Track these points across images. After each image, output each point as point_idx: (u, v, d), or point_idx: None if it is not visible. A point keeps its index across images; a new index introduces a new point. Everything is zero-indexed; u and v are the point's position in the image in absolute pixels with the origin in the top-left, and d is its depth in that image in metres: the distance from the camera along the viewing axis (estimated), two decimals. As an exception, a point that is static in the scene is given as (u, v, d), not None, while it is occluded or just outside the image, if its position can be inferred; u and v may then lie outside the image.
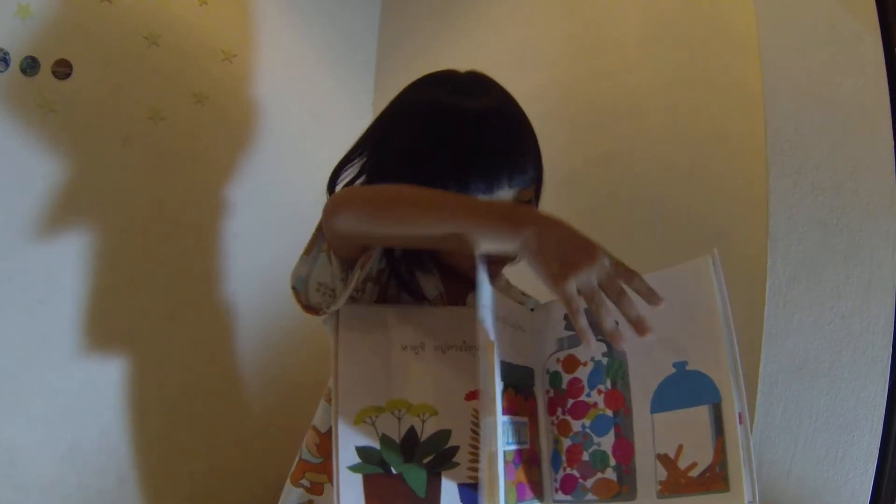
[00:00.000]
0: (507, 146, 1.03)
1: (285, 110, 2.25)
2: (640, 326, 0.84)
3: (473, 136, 1.01)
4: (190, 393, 2.13)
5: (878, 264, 1.26)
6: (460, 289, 1.12)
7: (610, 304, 0.83)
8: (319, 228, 1.05)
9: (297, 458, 1.15)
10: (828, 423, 1.29)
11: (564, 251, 0.82)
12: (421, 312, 1.06)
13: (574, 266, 0.81)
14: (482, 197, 1.01)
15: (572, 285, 0.81)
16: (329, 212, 0.99)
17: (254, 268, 2.22)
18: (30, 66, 1.82)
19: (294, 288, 1.05)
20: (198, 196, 2.11)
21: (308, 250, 1.08)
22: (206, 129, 2.10)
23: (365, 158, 1.16)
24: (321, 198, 2.32)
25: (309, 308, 1.04)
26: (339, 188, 1.16)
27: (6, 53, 1.79)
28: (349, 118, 2.41)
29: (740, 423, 0.82)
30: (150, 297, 2.05)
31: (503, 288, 1.23)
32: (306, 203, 2.31)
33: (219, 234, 2.16)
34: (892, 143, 1.27)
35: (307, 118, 2.30)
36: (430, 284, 1.12)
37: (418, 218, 0.91)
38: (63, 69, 1.86)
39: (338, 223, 0.98)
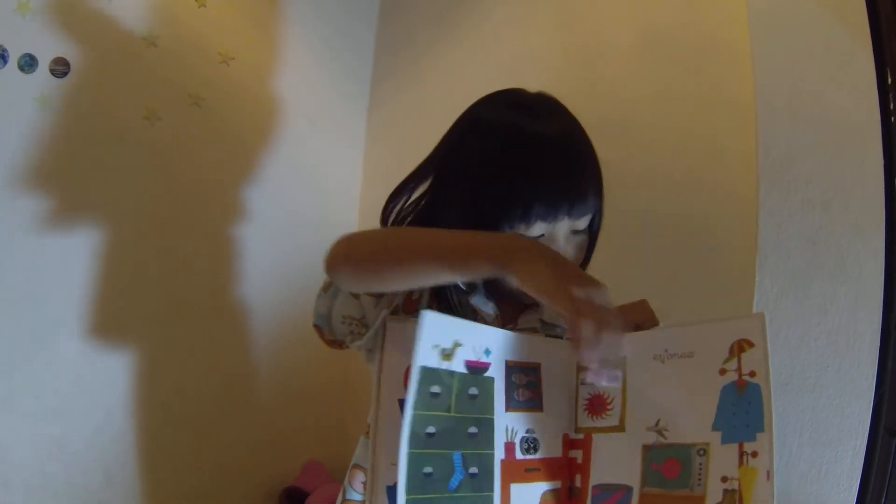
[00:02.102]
0: (572, 174, 1.01)
1: (281, 114, 2.26)
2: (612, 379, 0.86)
3: (540, 162, 0.99)
4: (182, 394, 2.13)
5: (865, 281, 1.26)
6: (512, 309, 1.11)
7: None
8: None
9: (340, 499, 1.12)
10: (812, 438, 1.29)
11: (558, 271, 0.83)
12: None
13: (571, 280, 0.82)
14: (541, 224, 1.00)
15: (573, 293, 0.81)
16: (328, 270, 0.98)
17: (248, 269, 2.22)
18: (28, 63, 1.83)
19: (316, 325, 1.03)
20: (191, 197, 2.11)
21: (326, 287, 1.05)
22: (201, 130, 2.10)
23: (430, 179, 1.11)
24: (317, 201, 2.34)
25: (333, 343, 1.02)
26: (396, 209, 1.13)
27: (5, 50, 1.80)
28: (344, 123, 2.41)
29: (767, 479, 0.83)
30: (142, 296, 2.05)
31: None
32: (301, 206, 2.32)
33: (212, 235, 2.16)
34: (883, 160, 1.27)
35: (303, 122, 2.30)
36: (487, 307, 1.09)
37: (409, 269, 0.92)
38: (61, 67, 1.87)
39: (339, 282, 0.98)
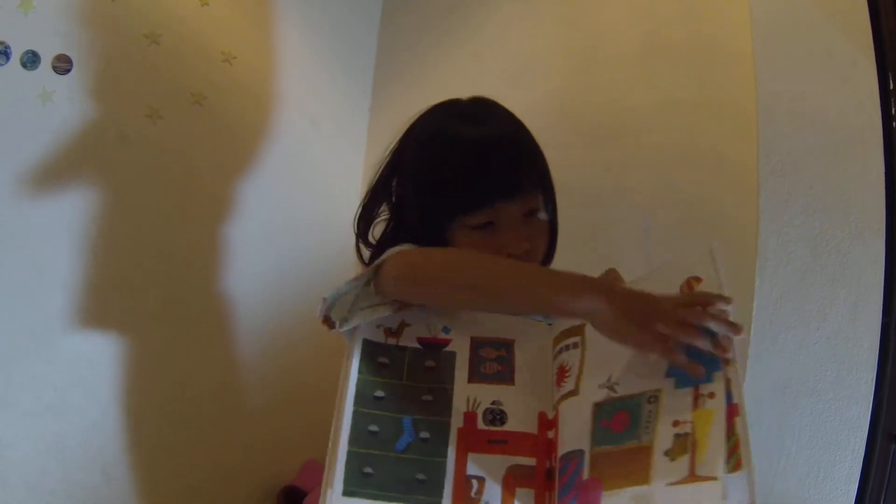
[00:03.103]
0: (495, 160, 1.08)
1: (283, 114, 2.26)
2: (735, 331, 0.83)
3: (463, 155, 1.08)
4: (180, 392, 2.13)
5: (864, 287, 1.27)
6: None
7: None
8: (373, 269, 1.01)
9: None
10: (811, 442, 1.30)
11: (633, 314, 0.83)
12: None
13: (648, 322, 0.82)
14: (485, 211, 1.06)
15: (656, 339, 0.82)
16: (389, 282, 0.98)
17: (248, 269, 2.22)
18: (30, 60, 1.83)
19: (324, 299, 1.02)
20: (193, 196, 2.11)
21: (356, 278, 1.04)
22: (203, 129, 2.10)
23: (386, 196, 1.22)
24: (317, 201, 2.34)
25: (326, 320, 1.03)
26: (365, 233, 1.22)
27: (7, 46, 1.80)
28: (346, 124, 2.41)
29: (731, 417, 0.79)
30: (141, 294, 2.04)
31: None
32: (301, 205, 2.32)
33: (213, 234, 2.16)
34: (884, 166, 1.28)
35: (305, 123, 2.30)
36: None
37: (481, 301, 0.97)
38: (63, 64, 1.87)
39: (398, 295, 0.99)
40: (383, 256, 1.01)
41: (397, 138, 1.22)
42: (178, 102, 2.05)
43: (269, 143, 2.24)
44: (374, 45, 2.45)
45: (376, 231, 1.23)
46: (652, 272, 0.97)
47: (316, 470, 2.33)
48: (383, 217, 1.22)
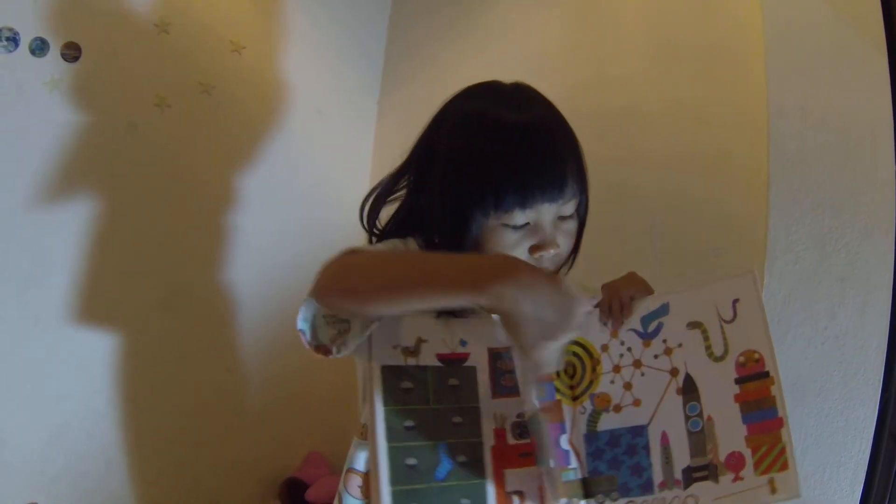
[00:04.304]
0: (543, 160, 1.01)
1: (291, 104, 2.26)
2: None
3: (508, 148, 0.99)
4: (184, 383, 2.13)
5: (873, 286, 1.26)
6: None
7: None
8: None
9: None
10: (816, 442, 1.29)
11: (541, 315, 0.80)
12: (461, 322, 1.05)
13: (550, 337, 0.81)
14: (520, 212, 0.99)
15: (544, 353, 0.81)
16: (316, 295, 0.94)
17: (255, 259, 2.22)
18: (39, 47, 1.83)
19: (301, 330, 1.00)
20: (200, 184, 2.11)
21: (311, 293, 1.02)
22: (211, 118, 2.10)
23: (408, 179, 1.13)
24: (325, 192, 2.33)
25: (319, 348, 0.98)
26: (373, 213, 1.14)
27: (16, 33, 1.80)
28: (354, 115, 2.41)
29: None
30: (145, 284, 2.05)
31: None
32: (308, 197, 2.32)
33: (219, 223, 2.16)
34: (894, 165, 1.27)
35: (312, 113, 2.30)
36: None
37: (395, 298, 0.91)
38: (72, 52, 1.87)
39: (327, 306, 0.95)
40: (314, 281, 0.96)
41: (430, 120, 1.12)
42: (187, 92, 2.06)
43: (277, 132, 2.23)
44: (383, 38, 2.45)
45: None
46: (684, 291, 0.96)
47: (318, 462, 2.33)
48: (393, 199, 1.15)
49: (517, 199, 0.98)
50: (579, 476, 0.93)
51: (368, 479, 1.03)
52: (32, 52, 1.82)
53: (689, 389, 0.91)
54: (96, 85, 1.91)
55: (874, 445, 1.26)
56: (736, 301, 0.91)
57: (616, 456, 0.92)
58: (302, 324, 0.97)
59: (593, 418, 0.96)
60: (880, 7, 1.31)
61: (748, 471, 0.83)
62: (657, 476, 0.89)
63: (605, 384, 0.97)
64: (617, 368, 0.97)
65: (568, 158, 1.04)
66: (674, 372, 0.93)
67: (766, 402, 0.86)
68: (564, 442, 0.95)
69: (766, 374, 0.87)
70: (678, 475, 0.88)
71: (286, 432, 2.35)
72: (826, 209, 1.31)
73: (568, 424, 0.96)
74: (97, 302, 1.98)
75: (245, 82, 2.15)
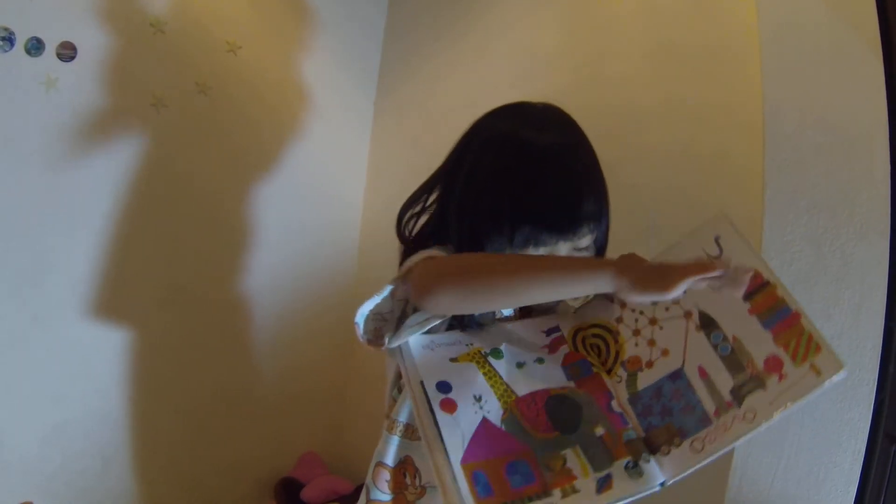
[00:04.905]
0: (570, 185, 1.03)
1: (287, 105, 2.25)
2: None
3: (537, 172, 1.01)
4: (181, 383, 2.14)
5: (868, 287, 1.26)
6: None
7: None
8: (398, 280, 1.01)
9: (364, 499, 1.11)
10: (812, 442, 1.29)
11: (650, 275, 0.85)
12: (496, 331, 1.07)
13: (664, 273, 0.85)
14: (532, 249, 1.02)
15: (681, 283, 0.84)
16: (422, 294, 0.95)
17: (253, 260, 2.22)
18: (35, 46, 1.82)
19: (356, 323, 1.01)
20: (196, 184, 2.11)
21: (378, 293, 1.03)
22: (207, 118, 2.10)
23: (438, 191, 1.14)
24: (321, 192, 2.33)
25: (370, 342, 1.01)
26: (408, 223, 1.15)
27: (11, 33, 1.79)
28: (350, 115, 2.41)
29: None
30: (143, 284, 2.05)
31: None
32: (305, 197, 2.32)
33: (215, 223, 2.15)
34: (889, 166, 1.27)
35: (309, 113, 2.30)
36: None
37: (514, 292, 0.92)
38: (68, 51, 1.87)
39: (434, 306, 0.95)
40: (408, 263, 0.99)
41: (461, 137, 1.13)
42: (183, 92, 2.05)
43: (273, 133, 2.23)
44: (379, 40, 2.45)
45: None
46: (670, 248, 1.00)
47: (313, 462, 2.33)
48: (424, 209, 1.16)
49: (530, 237, 1.01)
50: (639, 435, 0.95)
51: (397, 473, 1.06)
52: (28, 51, 1.82)
53: (707, 323, 0.96)
54: (92, 85, 1.91)
55: (869, 446, 1.26)
56: (717, 238, 0.97)
57: (664, 405, 0.96)
58: (360, 317, 0.99)
59: (631, 381, 1.00)
60: (875, 7, 1.31)
61: (788, 367, 0.87)
62: (710, 406, 0.92)
63: (631, 348, 1.02)
64: (636, 332, 1.02)
65: (592, 183, 1.07)
66: (688, 315, 0.98)
67: (778, 305, 0.91)
68: (616, 405, 0.98)
69: (767, 284, 0.92)
70: (728, 398, 0.91)
71: (282, 432, 2.35)
72: (822, 210, 1.31)
73: (612, 392, 1.00)
74: (96, 300, 1.98)
75: (241, 82, 2.15)
